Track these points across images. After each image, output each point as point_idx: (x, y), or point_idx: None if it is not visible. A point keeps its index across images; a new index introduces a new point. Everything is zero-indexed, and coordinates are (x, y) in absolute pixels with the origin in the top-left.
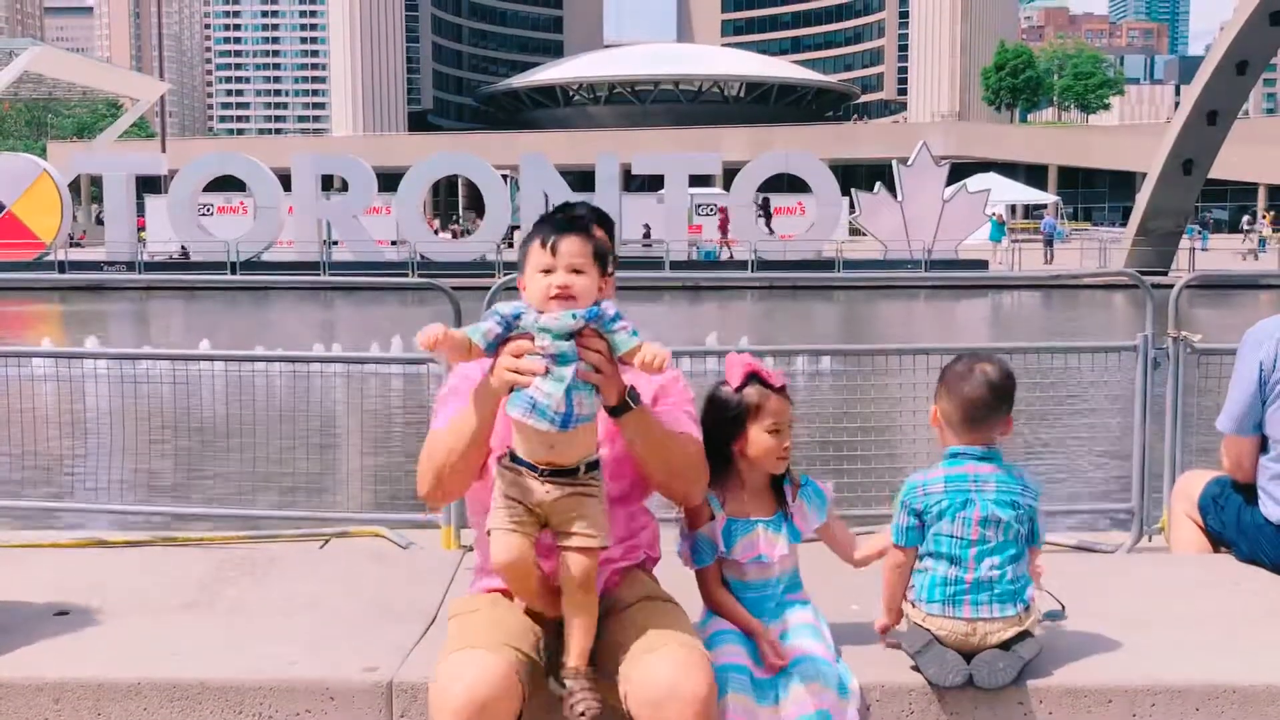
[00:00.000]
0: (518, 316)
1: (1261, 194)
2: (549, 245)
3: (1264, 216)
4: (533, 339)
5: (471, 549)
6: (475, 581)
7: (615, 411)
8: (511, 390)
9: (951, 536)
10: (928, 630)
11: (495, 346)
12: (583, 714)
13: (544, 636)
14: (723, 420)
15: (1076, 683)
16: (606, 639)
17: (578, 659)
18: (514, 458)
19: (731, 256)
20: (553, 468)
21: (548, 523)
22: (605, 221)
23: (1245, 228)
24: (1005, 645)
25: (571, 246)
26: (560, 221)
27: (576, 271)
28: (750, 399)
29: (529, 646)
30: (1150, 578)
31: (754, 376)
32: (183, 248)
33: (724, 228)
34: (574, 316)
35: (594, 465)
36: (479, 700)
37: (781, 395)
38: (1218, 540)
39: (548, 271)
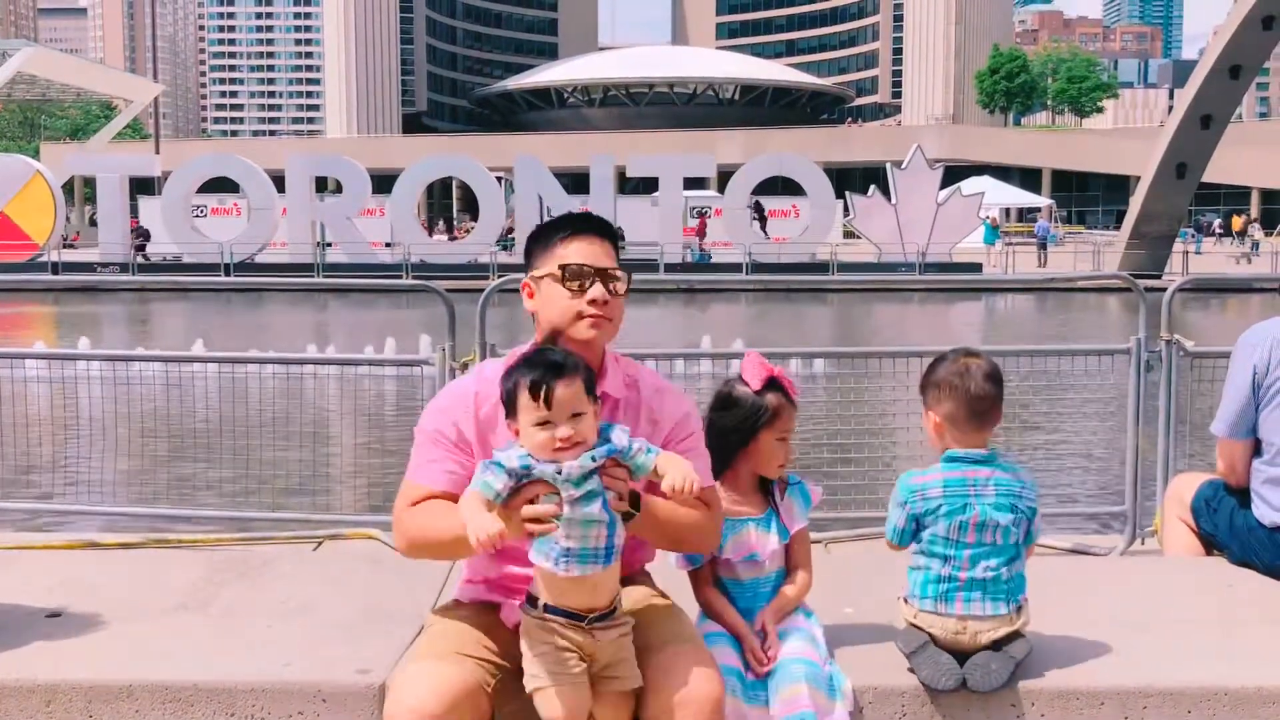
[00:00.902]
0: (527, 469)
1: (1255, 198)
2: (542, 397)
3: (1244, 220)
4: (543, 487)
5: None
6: (462, 587)
7: (623, 520)
8: (532, 539)
9: (948, 539)
10: (922, 631)
11: (503, 498)
12: None
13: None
14: (737, 421)
15: (1069, 685)
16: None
17: None
18: (547, 608)
19: (708, 259)
20: (596, 613)
21: (590, 668)
22: (611, 233)
23: (1218, 231)
24: (996, 645)
25: (566, 393)
26: (546, 367)
27: (576, 416)
28: (770, 405)
29: (500, 656)
30: (1143, 580)
31: (775, 382)
32: (139, 246)
33: (701, 232)
34: (594, 459)
35: (606, 615)
36: (427, 714)
37: (793, 405)
38: (1210, 543)
39: (545, 424)
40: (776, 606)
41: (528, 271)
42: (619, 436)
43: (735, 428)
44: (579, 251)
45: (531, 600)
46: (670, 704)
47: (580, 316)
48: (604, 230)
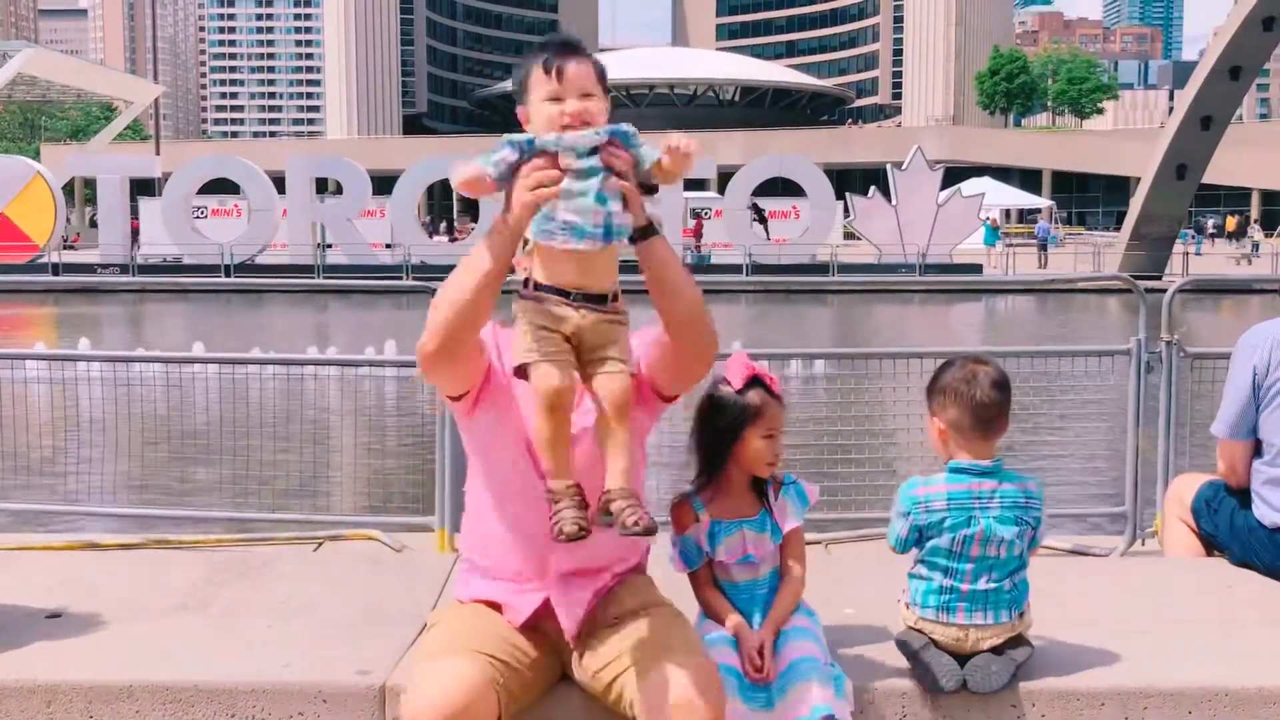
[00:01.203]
0: (532, 143)
1: (1255, 199)
2: (554, 71)
3: (1239, 220)
4: (548, 160)
5: None
6: (462, 588)
7: (640, 236)
8: (535, 218)
9: (950, 551)
10: (922, 633)
11: (509, 176)
12: (636, 523)
13: (533, 653)
14: (722, 422)
15: (1070, 686)
16: (608, 646)
17: (620, 478)
18: (538, 286)
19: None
20: (585, 292)
21: (579, 353)
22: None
23: (1211, 231)
24: (999, 649)
25: (579, 70)
26: (558, 46)
27: (586, 95)
28: (752, 402)
29: (507, 656)
30: (1143, 581)
31: (757, 380)
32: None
33: (697, 233)
34: (597, 133)
35: (616, 297)
36: (450, 710)
37: (779, 401)
38: (1211, 544)
39: (555, 100)
40: (774, 618)
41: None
42: (626, 125)
43: (722, 429)
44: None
45: (525, 283)
46: (669, 711)
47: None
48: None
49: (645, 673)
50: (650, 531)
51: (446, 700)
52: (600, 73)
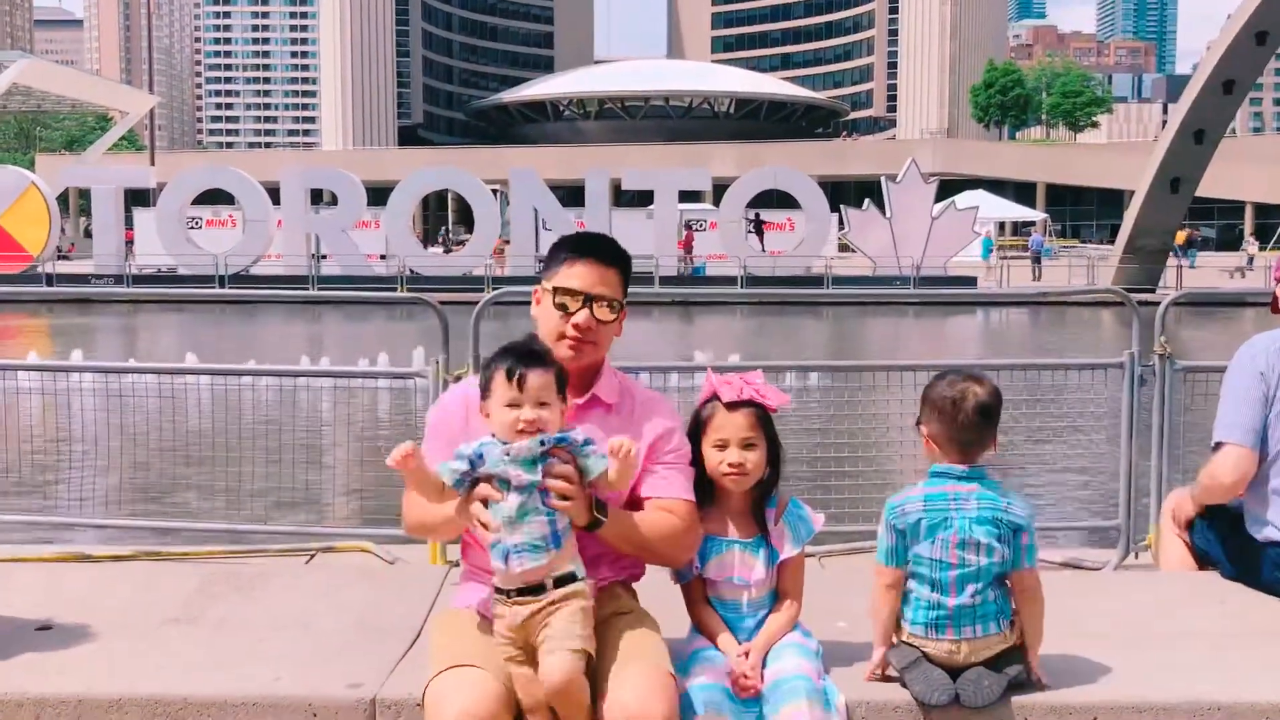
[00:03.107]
0: (481, 456)
1: (1249, 212)
2: (515, 380)
3: (1189, 234)
4: (493, 482)
5: (458, 564)
6: (461, 594)
7: (589, 528)
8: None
9: (931, 559)
10: (914, 647)
11: (464, 485)
12: None
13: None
14: (690, 437)
15: (1062, 700)
16: None
17: None
18: (496, 590)
19: (701, 271)
20: (518, 588)
21: (526, 646)
22: (619, 257)
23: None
24: (992, 662)
25: (537, 381)
26: (523, 355)
27: (542, 404)
28: (703, 414)
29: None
30: (1137, 595)
31: (715, 395)
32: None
33: (688, 245)
34: (541, 442)
35: (567, 579)
36: (477, 718)
37: (738, 410)
38: (1204, 558)
39: (514, 405)
40: (763, 640)
41: (543, 279)
42: (576, 433)
43: (692, 443)
44: (579, 275)
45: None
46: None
47: (562, 337)
48: (611, 255)
49: (604, 679)
50: None
51: (474, 709)
52: (560, 380)
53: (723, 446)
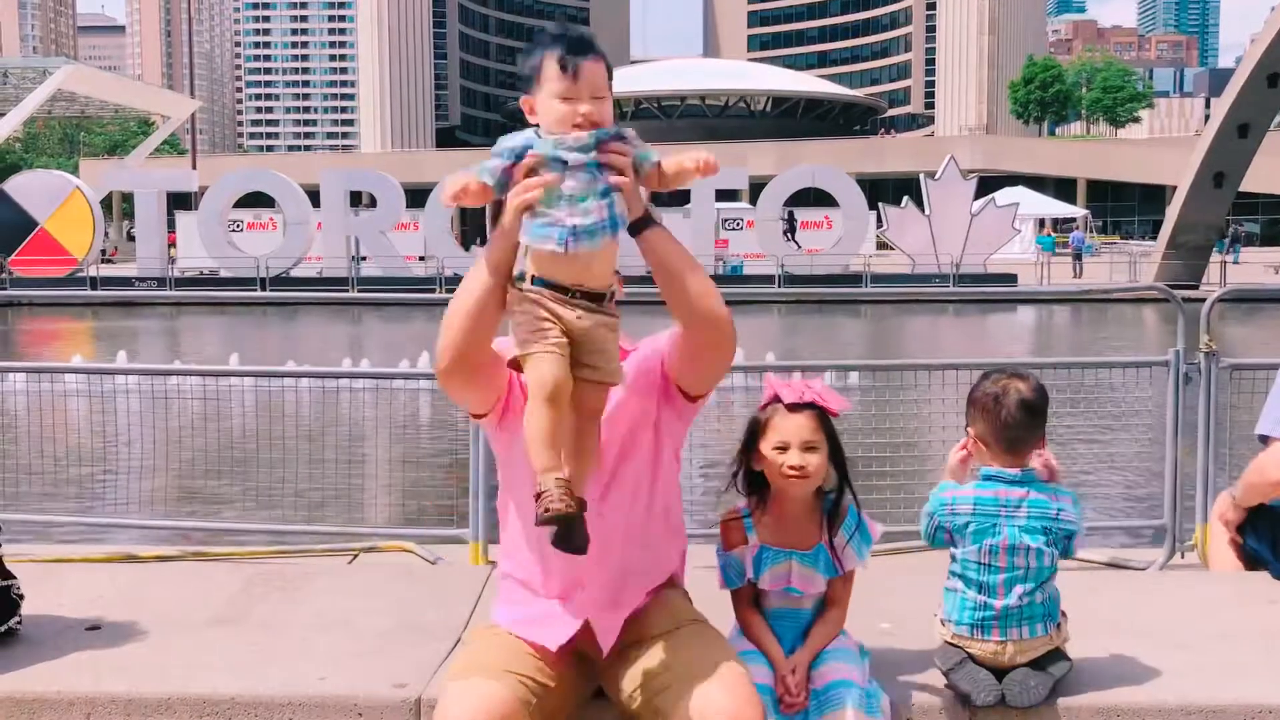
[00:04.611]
0: (528, 147)
1: None
2: (570, 70)
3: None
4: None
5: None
6: (499, 609)
7: (637, 228)
8: (532, 222)
9: (979, 564)
10: (959, 647)
11: (506, 185)
12: (545, 510)
13: (567, 671)
14: (746, 440)
15: (1109, 702)
16: (644, 664)
17: (572, 476)
18: (535, 280)
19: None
20: (583, 290)
21: (571, 354)
22: (595, 49)
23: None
24: (1037, 662)
25: (593, 70)
26: (574, 42)
27: (598, 98)
28: (761, 415)
29: (540, 675)
30: (1184, 596)
31: (776, 398)
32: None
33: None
34: (598, 135)
35: (613, 296)
36: None
37: (799, 412)
38: (1254, 558)
39: (568, 99)
40: (808, 654)
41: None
42: (627, 129)
43: (747, 447)
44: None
45: (519, 277)
46: None
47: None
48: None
49: (683, 690)
50: (553, 521)
51: (477, 717)
52: (609, 72)
53: (784, 449)
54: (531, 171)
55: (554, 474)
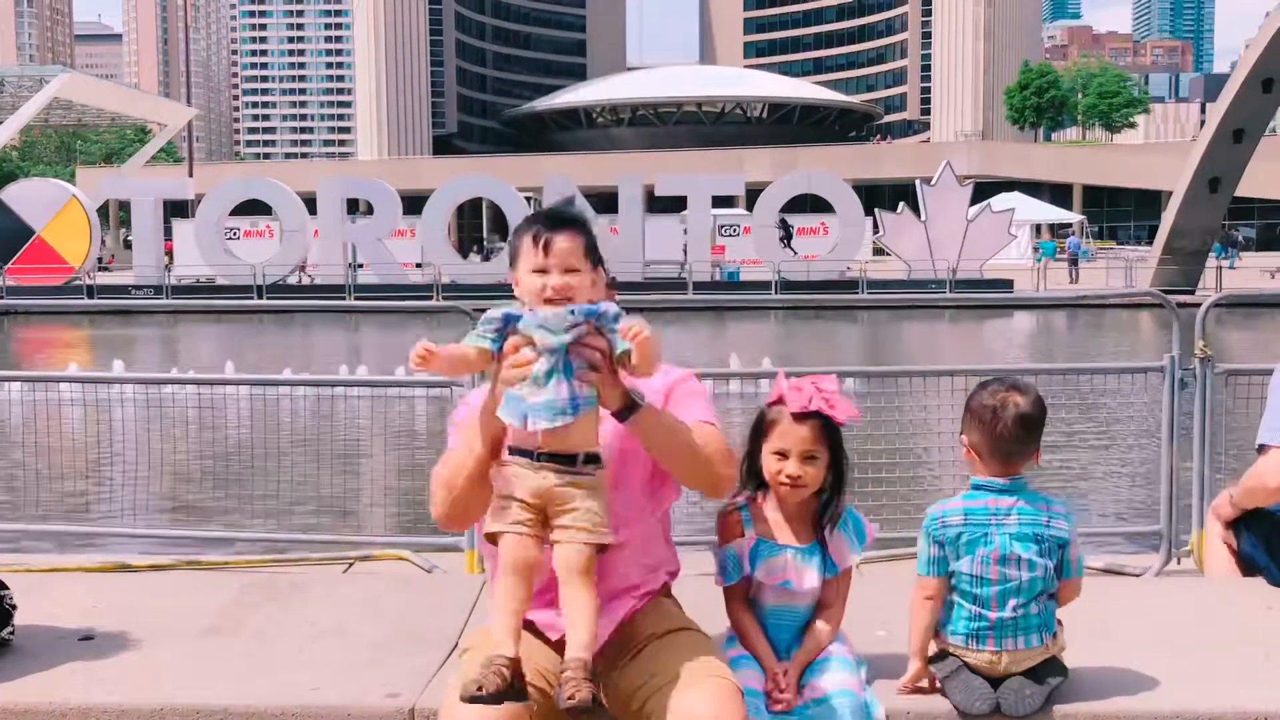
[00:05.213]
0: (515, 319)
1: None
2: (541, 244)
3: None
4: (530, 341)
5: None
6: None
7: (622, 415)
8: (505, 401)
9: (971, 575)
10: (955, 656)
11: (500, 346)
12: (570, 697)
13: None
14: (751, 434)
15: (1104, 710)
16: (630, 671)
17: (579, 649)
18: (509, 449)
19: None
20: (550, 453)
21: (545, 516)
22: (580, 225)
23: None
24: (1033, 671)
25: (565, 245)
26: (551, 218)
27: (571, 270)
28: (765, 418)
29: (539, 681)
30: (1180, 601)
31: (780, 400)
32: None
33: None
34: (572, 313)
35: (594, 459)
36: None
37: (804, 422)
38: (1250, 564)
39: (541, 271)
40: (803, 656)
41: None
42: (609, 306)
43: (750, 440)
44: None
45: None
46: None
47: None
48: (570, 223)
49: (670, 695)
50: (583, 709)
51: None
52: (589, 246)
53: (783, 456)
54: (517, 353)
55: (498, 654)
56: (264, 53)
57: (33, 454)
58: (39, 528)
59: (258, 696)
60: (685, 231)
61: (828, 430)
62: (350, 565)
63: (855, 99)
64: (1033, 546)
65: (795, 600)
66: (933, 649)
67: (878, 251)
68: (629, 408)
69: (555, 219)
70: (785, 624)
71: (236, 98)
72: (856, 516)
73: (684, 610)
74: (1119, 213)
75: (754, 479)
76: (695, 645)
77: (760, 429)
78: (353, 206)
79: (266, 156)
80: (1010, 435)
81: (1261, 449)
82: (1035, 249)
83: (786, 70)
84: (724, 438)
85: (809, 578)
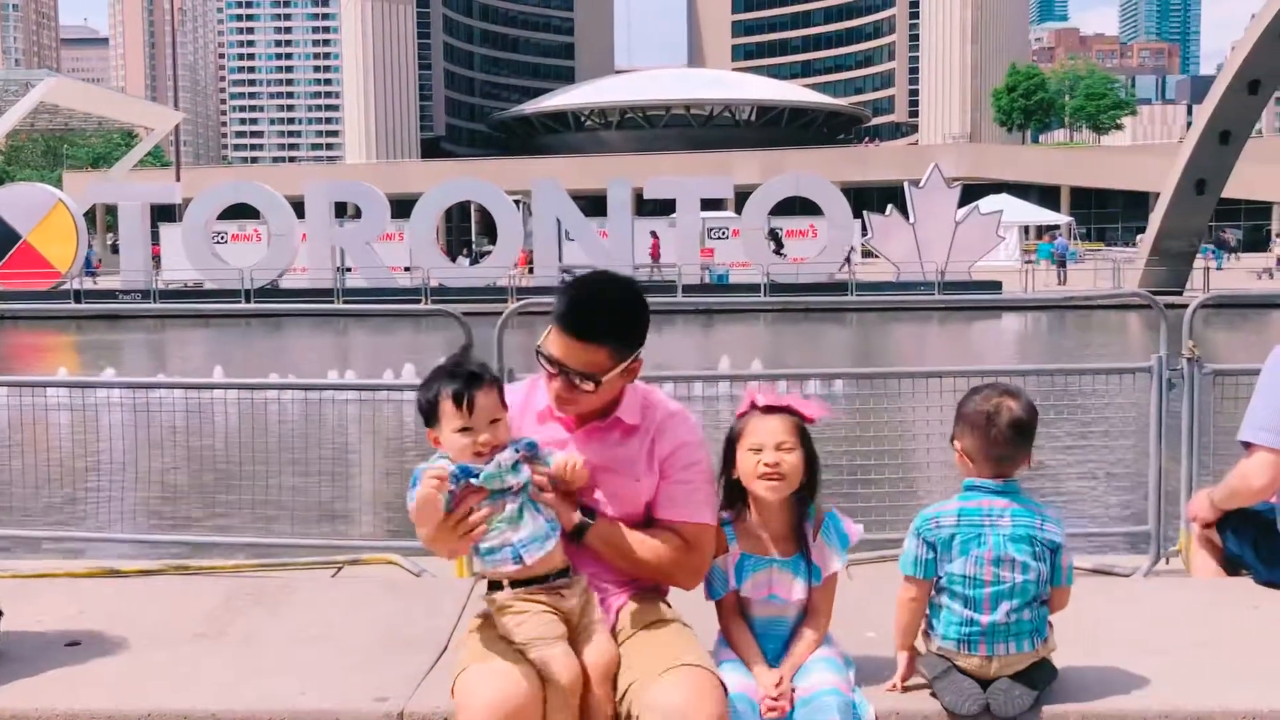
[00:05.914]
0: (467, 471)
1: (1276, 212)
2: (464, 404)
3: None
4: (483, 493)
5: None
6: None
7: (576, 535)
8: (480, 550)
9: (964, 576)
10: (944, 657)
11: (452, 504)
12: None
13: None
14: (726, 449)
15: (1094, 710)
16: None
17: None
18: (514, 584)
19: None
20: (527, 579)
21: (570, 625)
22: (620, 334)
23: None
24: (1023, 673)
25: (485, 402)
26: (465, 378)
27: (494, 422)
28: (737, 425)
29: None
30: (1167, 601)
31: (753, 405)
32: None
33: (655, 254)
34: (516, 450)
35: (564, 573)
36: (506, 710)
37: (773, 414)
38: (1237, 563)
39: (465, 430)
40: (792, 663)
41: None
42: (526, 440)
43: (726, 456)
44: (559, 345)
45: (494, 586)
46: None
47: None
48: (598, 332)
49: (649, 683)
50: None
51: (503, 699)
52: (500, 392)
53: (758, 449)
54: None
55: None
56: (251, 56)
57: (20, 458)
58: (26, 533)
59: (245, 701)
60: (654, 234)
61: (799, 427)
62: (339, 569)
63: (843, 102)
64: (1027, 549)
65: (784, 612)
66: (923, 648)
67: (866, 254)
68: (582, 526)
69: (469, 379)
70: (774, 634)
71: (224, 101)
72: (838, 520)
73: (671, 607)
74: (1107, 214)
75: (735, 494)
76: (676, 637)
77: (732, 440)
78: (340, 210)
79: (254, 160)
80: (1004, 440)
81: (1246, 447)
82: (1028, 251)
83: (775, 73)
84: (708, 535)
85: (796, 589)
